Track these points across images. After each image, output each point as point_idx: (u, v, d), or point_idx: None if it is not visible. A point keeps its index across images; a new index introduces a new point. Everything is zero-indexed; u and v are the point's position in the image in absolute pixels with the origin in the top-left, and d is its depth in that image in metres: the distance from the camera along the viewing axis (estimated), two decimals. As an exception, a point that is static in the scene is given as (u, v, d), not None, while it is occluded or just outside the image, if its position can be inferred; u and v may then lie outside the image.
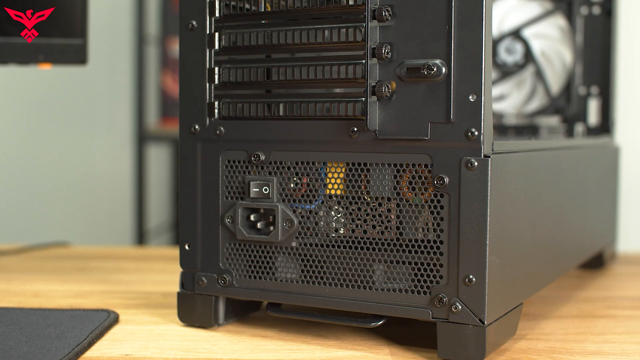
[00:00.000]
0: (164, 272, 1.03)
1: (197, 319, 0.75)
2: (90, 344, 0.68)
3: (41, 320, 0.74)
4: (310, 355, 0.67)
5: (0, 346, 0.66)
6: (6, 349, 0.65)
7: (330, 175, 0.69)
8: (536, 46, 1.16)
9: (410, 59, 0.64)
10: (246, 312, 0.79)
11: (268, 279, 0.72)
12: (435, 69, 0.63)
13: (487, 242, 0.62)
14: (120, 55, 1.63)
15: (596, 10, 1.15)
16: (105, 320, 0.74)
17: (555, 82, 1.16)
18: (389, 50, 0.65)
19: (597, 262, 1.08)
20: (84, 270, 1.02)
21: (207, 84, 0.73)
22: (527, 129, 1.16)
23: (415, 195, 0.65)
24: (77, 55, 0.91)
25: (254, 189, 0.71)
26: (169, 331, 0.74)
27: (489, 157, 0.62)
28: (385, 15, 0.65)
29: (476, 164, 0.62)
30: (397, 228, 0.66)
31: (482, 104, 0.62)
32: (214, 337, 0.72)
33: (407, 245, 0.66)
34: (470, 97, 0.62)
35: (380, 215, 0.67)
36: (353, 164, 0.68)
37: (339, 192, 0.69)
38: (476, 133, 0.62)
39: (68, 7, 0.91)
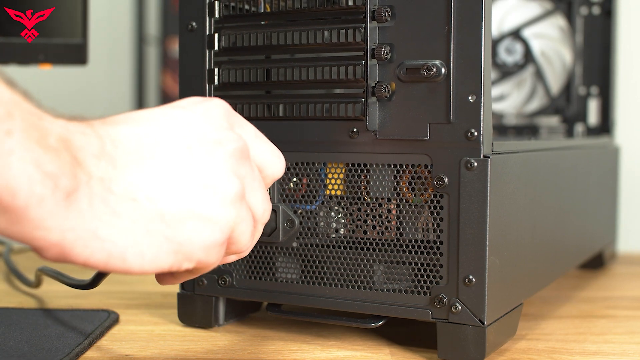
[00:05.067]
0: (164, 272, 1.03)
1: (197, 319, 0.75)
2: (90, 344, 0.68)
3: (41, 320, 0.74)
4: (310, 355, 0.67)
5: (1, 346, 0.66)
6: (6, 349, 0.65)
7: (330, 175, 0.69)
8: (536, 46, 1.16)
9: (410, 60, 0.64)
10: (246, 313, 0.79)
11: (268, 280, 0.72)
12: (434, 70, 0.63)
13: (487, 243, 0.62)
14: (120, 55, 1.62)
15: (596, 10, 1.15)
16: (106, 321, 0.74)
17: (555, 82, 1.16)
18: (388, 51, 0.65)
19: (597, 262, 1.08)
20: (84, 271, 1.02)
21: (207, 85, 0.73)
22: (527, 129, 1.16)
23: (415, 195, 0.65)
24: (77, 55, 0.91)
25: (254, 190, 0.71)
26: (169, 331, 0.74)
27: (489, 157, 0.62)
28: (384, 15, 0.65)
29: (476, 164, 0.62)
30: (397, 228, 0.66)
31: (482, 104, 0.62)
32: (214, 338, 0.72)
33: (407, 246, 0.66)
34: (469, 98, 0.62)
35: (380, 216, 0.67)
36: (353, 165, 0.68)
37: (339, 192, 0.69)
38: (476, 133, 0.62)
39: (68, 7, 0.91)
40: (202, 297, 0.75)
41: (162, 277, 0.54)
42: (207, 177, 0.48)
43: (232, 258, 0.56)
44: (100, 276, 0.63)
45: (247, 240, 0.51)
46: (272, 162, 0.56)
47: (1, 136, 0.40)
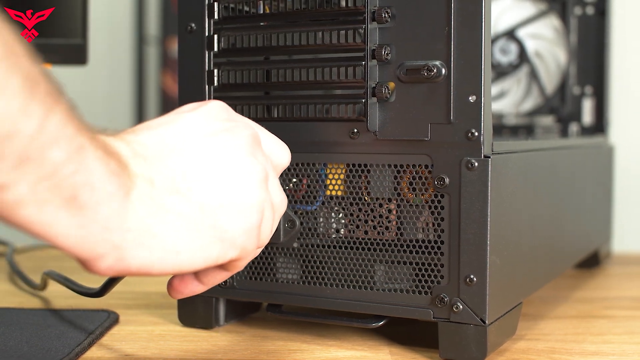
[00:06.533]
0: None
1: (198, 320, 0.75)
2: (90, 344, 0.68)
3: (41, 320, 0.74)
4: (310, 355, 0.67)
5: (1, 346, 0.66)
6: (6, 349, 0.65)
7: (330, 176, 0.69)
8: (530, 46, 1.16)
9: (410, 60, 0.64)
10: (246, 313, 0.79)
11: (269, 280, 0.72)
12: (435, 70, 0.63)
13: (488, 242, 0.62)
14: (120, 55, 1.62)
15: (590, 10, 1.15)
16: (106, 321, 0.74)
17: (550, 82, 1.16)
18: (388, 52, 0.65)
19: (592, 261, 1.08)
20: (84, 271, 1.01)
21: (207, 86, 0.73)
22: (522, 129, 1.16)
23: (416, 195, 0.66)
24: (77, 55, 0.91)
25: (254, 190, 0.71)
26: (169, 331, 0.74)
27: (489, 157, 0.62)
28: (384, 16, 0.65)
29: (476, 164, 0.62)
30: (398, 229, 0.67)
31: (482, 104, 0.62)
32: (214, 338, 0.72)
33: (407, 246, 0.66)
34: (470, 98, 0.63)
35: (381, 216, 0.67)
36: (353, 165, 0.68)
37: (339, 193, 0.69)
38: (476, 134, 0.62)
39: (68, 7, 0.90)
40: (203, 297, 0.75)
41: (186, 283, 0.55)
42: (232, 163, 0.50)
43: (257, 252, 0.56)
44: (110, 284, 0.63)
45: (269, 229, 0.53)
46: (278, 151, 0.58)
47: (76, 131, 0.41)
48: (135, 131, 0.49)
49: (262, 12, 0.72)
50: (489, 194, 0.62)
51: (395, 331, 0.73)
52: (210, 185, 0.49)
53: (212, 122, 0.52)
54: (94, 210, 0.42)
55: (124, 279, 0.62)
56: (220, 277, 0.55)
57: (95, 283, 0.67)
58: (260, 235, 0.53)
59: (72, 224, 0.42)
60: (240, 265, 0.53)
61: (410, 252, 0.66)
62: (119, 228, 0.43)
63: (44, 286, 0.86)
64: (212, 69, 0.72)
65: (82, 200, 0.41)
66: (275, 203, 0.54)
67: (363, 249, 0.68)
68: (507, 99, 1.18)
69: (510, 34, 1.16)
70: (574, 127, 1.15)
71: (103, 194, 0.42)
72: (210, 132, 0.51)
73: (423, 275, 0.65)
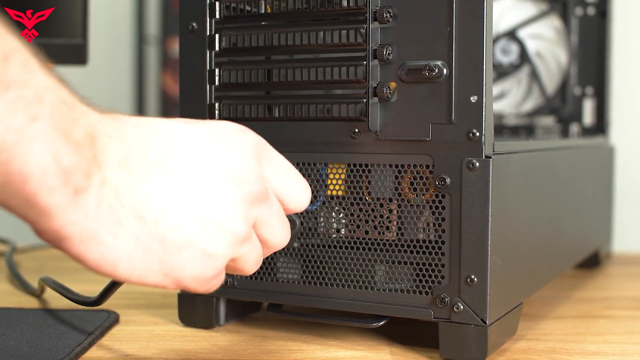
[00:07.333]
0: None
1: (198, 319, 0.75)
2: (90, 344, 0.68)
3: (41, 320, 0.74)
4: (310, 355, 0.67)
5: (1, 346, 0.66)
6: (6, 349, 0.65)
7: (331, 176, 0.69)
8: (531, 47, 1.16)
9: (412, 60, 0.64)
10: (247, 313, 0.79)
11: (269, 280, 0.72)
12: (436, 70, 0.63)
13: (489, 242, 0.62)
14: (120, 55, 1.62)
15: (591, 10, 1.15)
16: (106, 321, 0.74)
17: (551, 83, 1.16)
18: (390, 52, 0.65)
19: (593, 262, 1.08)
20: (84, 271, 1.01)
21: (208, 86, 0.72)
22: (523, 129, 1.16)
23: (417, 195, 0.65)
24: (77, 55, 0.91)
25: (254, 190, 0.71)
26: (170, 331, 0.74)
27: (490, 157, 0.62)
28: (386, 16, 0.65)
29: (477, 164, 0.62)
30: (399, 229, 0.67)
31: (484, 104, 0.62)
32: (214, 338, 0.72)
33: (408, 246, 0.66)
34: (471, 98, 0.62)
35: (381, 216, 0.67)
36: (354, 165, 0.68)
37: (340, 193, 0.69)
38: (477, 134, 0.62)
39: (68, 7, 0.91)
40: (203, 297, 0.75)
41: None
42: (214, 214, 0.49)
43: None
44: (107, 292, 0.63)
45: (250, 267, 0.54)
46: (295, 197, 0.57)
47: (26, 121, 0.41)
48: (158, 130, 0.49)
49: (263, 11, 0.72)
50: (490, 194, 0.62)
51: (396, 331, 0.73)
52: (179, 225, 0.48)
53: (230, 161, 0.50)
54: (31, 197, 0.42)
55: (122, 285, 0.62)
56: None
57: (93, 288, 0.67)
58: (238, 271, 0.53)
59: (13, 200, 0.42)
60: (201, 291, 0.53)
61: (411, 252, 0.66)
62: (59, 217, 0.44)
63: (41, 291, 0.86)
64: (213, 68, 0.72)
65: (16, 186, 0.41)
66: (270, 243, 0.54)
67: (364, 249, 0.68)
68: (507, 99, 1.18)
69: (511, 34, 1.16)
70: (574, 128, 1.15)
71: (41, 186, 0.42)
72: (217, 173, 0.50)
73: (424, 276, 0.65)
